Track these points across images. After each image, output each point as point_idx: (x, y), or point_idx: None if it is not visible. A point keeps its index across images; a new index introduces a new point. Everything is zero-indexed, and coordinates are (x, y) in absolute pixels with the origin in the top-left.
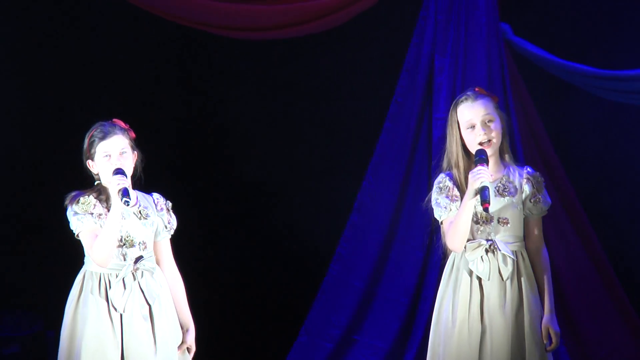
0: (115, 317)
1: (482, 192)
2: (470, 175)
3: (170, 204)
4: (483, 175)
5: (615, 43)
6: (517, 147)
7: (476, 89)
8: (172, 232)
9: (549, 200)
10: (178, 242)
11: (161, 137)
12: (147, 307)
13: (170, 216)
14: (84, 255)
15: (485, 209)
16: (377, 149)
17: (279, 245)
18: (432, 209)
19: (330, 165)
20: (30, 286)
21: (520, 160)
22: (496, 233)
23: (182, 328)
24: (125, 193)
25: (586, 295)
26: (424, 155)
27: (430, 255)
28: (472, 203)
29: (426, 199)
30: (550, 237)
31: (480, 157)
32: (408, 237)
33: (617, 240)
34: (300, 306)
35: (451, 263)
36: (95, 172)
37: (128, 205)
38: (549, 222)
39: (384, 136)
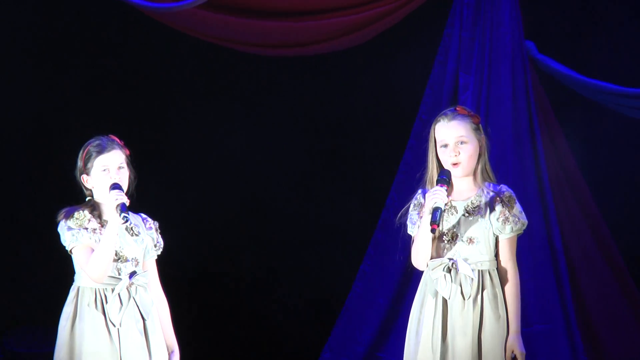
0: (113, 331)
1: (433, 212)
2: (427, 195)
3: (157, 224)
4: (438, 196)
5: None
6: (541, 164)
7: (457, 108)
8: (159, 251)
9: (524, 219)
10: (207, 256)
11: (170, 154)
12: (142, 321)
13: (158, 236)
14: (74, 272)
15: (432, 230)
16: (401, 166)
17: (304, 262)
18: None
19: (354, 183)
20: (39, 302)
21: (543, 176)
22: (462, 252)
23: (167, 349)
24: (123, 208)
25: (608, 311)
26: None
27: None
28: (428, 220)
29: (399, 214)
30: (574, 253)
31: (441, 178)
32: None
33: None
34: (324, 323)
35: (423, 280)
36: (90, 187)
37: (127, 220)
38: (572, 239)
39: (408, 154)
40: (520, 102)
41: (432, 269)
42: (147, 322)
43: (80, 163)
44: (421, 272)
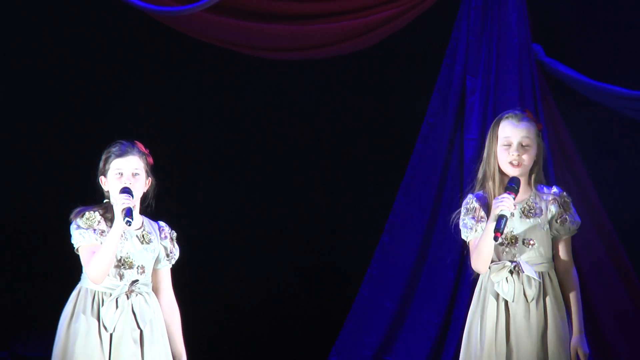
0: (105, 336)
1: (498, 220)
2: (493, 201)
3: (175, 234)
4: (505, 204)
5: None
6: (549, 167)
7: (525, 111)
8: (173, 261)
9: (578, 219)
10: (218, 264)
11: (185, 161)
12: (139, 330)
13: (174, 246)
14: (81, 272)
15: (495, 238)
16: (409, 169)
17: (310, 265)
18: (460, 230)
19: (360, 186)
20: (48, 305)
21: (551, 180)
22: (521, 254)
23: (174, 359)
24: (128, 213)
25: (617, 317)
26: (456, 176)
27: (461, 276)
28: (493, 226)
29: (453, 216)
30: (580, 256)
31: (511, 185)
32: (439, 257)
33: None
34: (331, 327)
35: (480, 284)
36: (106, 189)
37: (130, 225)
38: (580, 243)
39: (415, 157)
40: (527, 105)
41: (496, 273)
42: (144, 332)
43: (100, 164)
44: (423, 275)
